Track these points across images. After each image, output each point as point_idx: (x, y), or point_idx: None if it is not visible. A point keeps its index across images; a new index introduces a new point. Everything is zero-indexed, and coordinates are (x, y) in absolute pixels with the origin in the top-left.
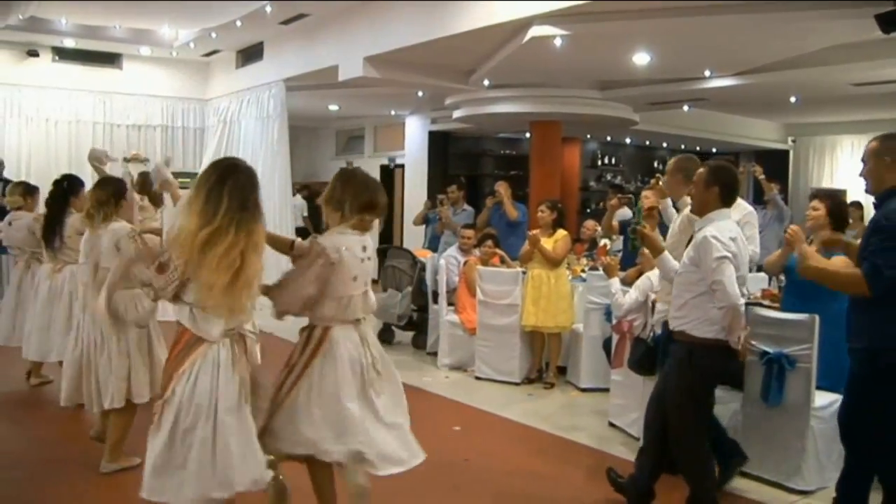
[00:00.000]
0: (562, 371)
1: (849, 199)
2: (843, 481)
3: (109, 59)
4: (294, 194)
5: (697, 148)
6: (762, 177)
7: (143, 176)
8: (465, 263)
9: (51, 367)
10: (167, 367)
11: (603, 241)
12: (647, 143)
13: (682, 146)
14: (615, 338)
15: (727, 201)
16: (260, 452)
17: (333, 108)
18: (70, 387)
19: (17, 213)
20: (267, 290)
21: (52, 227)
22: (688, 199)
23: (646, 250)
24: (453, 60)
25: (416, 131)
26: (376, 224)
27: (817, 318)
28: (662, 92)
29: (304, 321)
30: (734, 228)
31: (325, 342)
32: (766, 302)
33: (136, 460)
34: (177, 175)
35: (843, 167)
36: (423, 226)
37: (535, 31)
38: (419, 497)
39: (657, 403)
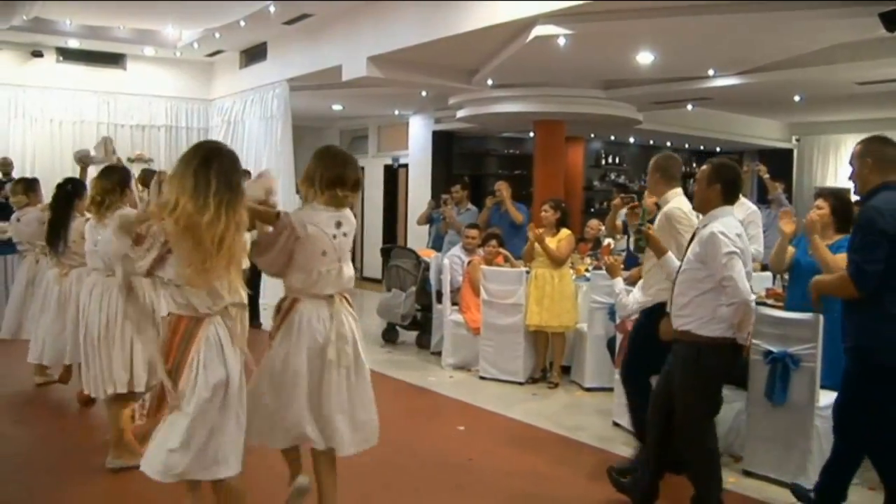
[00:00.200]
0: (566, 371)
1: (853, 198)
2: (827, 470)
3: (113, 60)
4: (298, 193)
5: (701, 147)
6: (766, 176)
7: (145, 172)
8: (469, 263)
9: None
10: (169, 357)
11: (607, 241)
12: (651, 142)
13: (686, 145)
14: (619, 337)
15: (729, 199)
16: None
17: (337, 107)
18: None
19: (24, 210)
20: (251, 251)
21: (56, 231)
22: (668, 198)
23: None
24: (457, 60)
25: (419, 131)
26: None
27: (821, 317)
28: (666, 91)
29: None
30: (738, 225)
31: (291, 313)
32: (770, 301)
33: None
34: None
35: (847, 166)
36: (427, 225)
37: (539, 30)
38: (423, 496)
39: (659, 402)
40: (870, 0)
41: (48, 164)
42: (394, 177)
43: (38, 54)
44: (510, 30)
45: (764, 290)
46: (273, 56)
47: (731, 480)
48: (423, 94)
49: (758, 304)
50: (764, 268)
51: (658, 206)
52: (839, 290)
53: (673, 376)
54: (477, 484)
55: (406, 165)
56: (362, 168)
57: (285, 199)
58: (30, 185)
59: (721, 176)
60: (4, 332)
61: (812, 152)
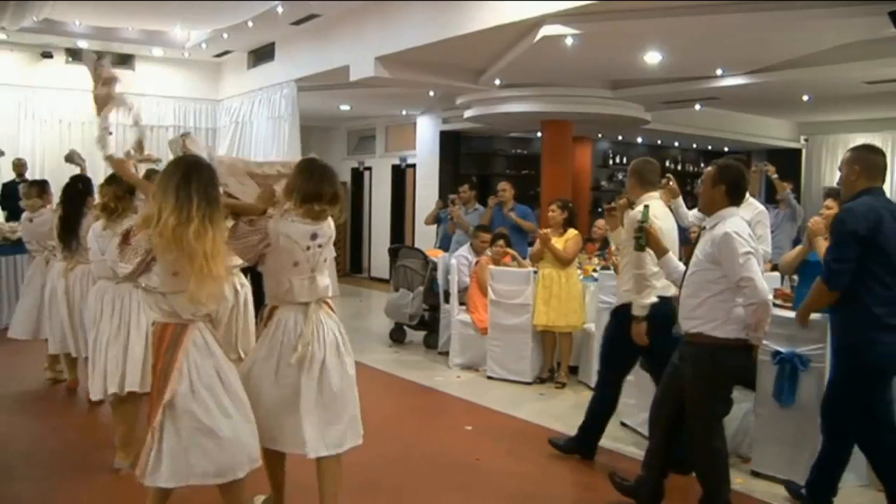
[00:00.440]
0: (573, 371)
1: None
2: (816, 467)
3: (122, 60)
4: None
5: (709, 147)
6: (775, 176)
7: (150, 171)
8: (477, 263)
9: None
10: (157, 365)
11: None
12: (659, 142)
13: (694, 145)
14: None
15: (734, 200)
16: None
17: (345, 108)
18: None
19: (37, 211)
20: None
21: (69, 228)
22: (641, 200)
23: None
24: (464, 60)
25: (427, 131)
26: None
27: (829, 318)
28: (674, 91)
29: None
30: (745, 226)
31: (270, 320)
32: (778, 301)
33: None
34: None
35: None
36: (435, 225)
37: (546, 30)
38: (430, 496)
39: (663, 402)
40: None
41: (57, 166)
42: (401, 177)
43: (47, 55)
44: (517, 30)
45: (772, 290)
46: (281, 56)
47: (739, 481)
48: (431, 94)
49: None
50: (774, 268)
51: (631, 206)
52: (817, 297)
53: (679, 378)
54: (484, 483)
55: (413, 165)
56: (369, 168)
57: None
58: (42, 188)
59: (726, 177)
60: (21, 332)
61: (820, 152)
